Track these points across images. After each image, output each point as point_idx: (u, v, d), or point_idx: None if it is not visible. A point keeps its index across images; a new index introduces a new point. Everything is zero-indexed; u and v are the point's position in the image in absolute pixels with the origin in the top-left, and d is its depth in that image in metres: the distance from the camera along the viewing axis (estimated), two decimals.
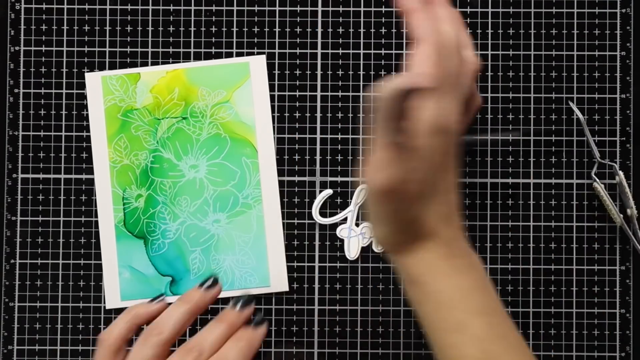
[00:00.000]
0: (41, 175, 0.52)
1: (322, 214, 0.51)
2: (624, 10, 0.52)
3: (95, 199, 0.52)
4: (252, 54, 0.52)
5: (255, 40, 0.52)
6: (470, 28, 0.52)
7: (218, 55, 0.52)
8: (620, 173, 0.50)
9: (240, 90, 0.52)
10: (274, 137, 0.52)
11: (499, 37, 0.52)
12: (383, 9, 0.52)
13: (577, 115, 0.51)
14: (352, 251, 0.51)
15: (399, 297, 0.51)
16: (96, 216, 0.52)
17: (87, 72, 0.52)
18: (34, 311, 0.52)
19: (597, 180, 0.51)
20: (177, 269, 0.51)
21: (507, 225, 0.52)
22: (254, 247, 0.51)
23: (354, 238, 0.51)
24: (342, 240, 0.52)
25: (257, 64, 0.52)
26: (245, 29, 0.52)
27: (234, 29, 0.52)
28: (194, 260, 0.51)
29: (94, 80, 0.52)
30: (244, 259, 0.51)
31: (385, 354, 0.51)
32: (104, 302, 0.51)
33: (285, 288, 0.51)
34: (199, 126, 0.51)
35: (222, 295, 0.51)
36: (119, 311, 0.51)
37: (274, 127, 0.52)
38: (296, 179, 0.52)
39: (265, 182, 0.51)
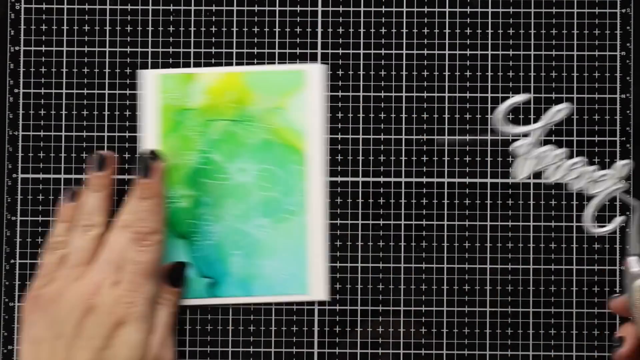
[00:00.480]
0: (41, 175, 0.52)
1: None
2: (624, 10, 0.52)
3: None
4: (256, 56, 0.52)
5: (256, 40, 0.52)
6: (470, 28, 0.52)
7: (216, 56, 0.52)
8: None
9: (295, 97, 0.51)
10: (327, 146, 0.51)
11: (499, 37, 0.52)
12: (383, 9, 0.52)
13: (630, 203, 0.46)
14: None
15: (398, 296, 0.51)
16: None
17: (141, 69, 0.52)
18: None
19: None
20: (217, 271, 0.51)
21: (507, 225, 0.52)
22: (296, 255, 0.51)
23: None
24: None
25: (315, 72, 0.52)
26: (245, 29, 0.52)
27: (234, 29, 0.52)
28: (235, 264, 0.51)
29: (149, 78, 0.51)
30: (284, 265, 0.51)
31: (385, 354, 0.51)
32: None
33: (323, 297, 0.51)
34: (251, 130, 0.51)
35: (260, 300, 0.51)
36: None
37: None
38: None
39: (312, 190, 0.51)
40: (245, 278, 0.51)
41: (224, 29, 0.52)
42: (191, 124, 0.51)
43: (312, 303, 0.51)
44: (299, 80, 0.51)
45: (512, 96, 0.46)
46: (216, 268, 0.51)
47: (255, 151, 0.51)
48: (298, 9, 0.52)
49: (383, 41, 0.52)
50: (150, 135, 0.51)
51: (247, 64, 0.52)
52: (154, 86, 0.51)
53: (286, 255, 0.51)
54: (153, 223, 0.48)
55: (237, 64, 0.52)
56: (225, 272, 0.51)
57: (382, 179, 0.52)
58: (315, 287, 0.51)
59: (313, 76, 0.52)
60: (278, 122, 0.51)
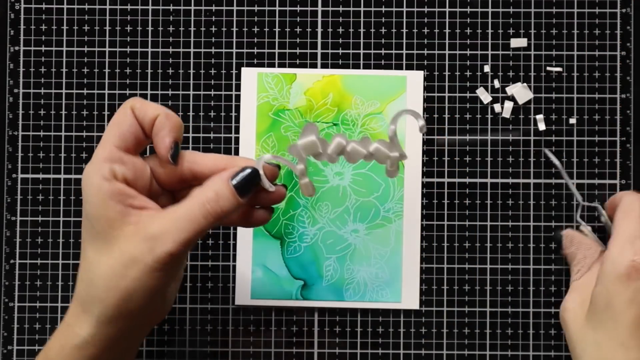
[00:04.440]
0: (41, 175, 0.52)
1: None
2: (624, 10, 0.52)
3: None
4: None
5: (255, 40, 0.52)
6: (470, 28, 0.52)
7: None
8: (604, 213, 0.50)
9: (395, 103, 0.51)
10: (422, 156, 0.51)
11: (499, 37, 0.52)
12: (383, 9, 0.52)
13: (554, 162, 0.51)
14: None
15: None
16: None
17: (245, 67, 0.52)
18: (33, 311, 0.52)
19: (583, 223, 0.51)
20: (310, 274, 0.51)
21: (507, 225, 0.52)
22: (390, 262, 0.51)
23: None
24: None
25: (415, 79, 0.51)
26: (245, 29, 0.52)
27: (234, 29, 0.52)
28: (328, 268, 0.51)
29: (249, 76, 0.51)
30: (378, 272, 0.51)
31: (385, 354, 0.51)
32: (232, 302, 0.51)
33: (417, 306, 0.51)
34: (349, 134, 0.51)
35: (354, 306, 0.51)
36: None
37: None
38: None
39: (409, 198, 0.51)
40: (337, 283, 0.51)
41: (224, 29, 0.52)
42: (289, 124, 0.51)
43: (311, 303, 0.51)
44: (399, 86, 0.51)
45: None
46: (309, 271, 0.51)
47: None
48: (298, 9, 0.52)
49: (383, 41, 0.52)
50: (246, 133, 0.51)
51: (247, 64, 0.52)
52: (253, 84, 0.51)
53: (380, 262, 0.51)
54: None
55: (237, 64, 0.52)
56: (318, 275, 0.51)
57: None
58: (409, 296, 0.51)
59: (413, 82, 0.51)
60: (377, 128, 0.51)
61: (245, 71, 0.52)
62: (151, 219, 0.39)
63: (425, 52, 0.52)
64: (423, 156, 0.52)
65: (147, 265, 0.38)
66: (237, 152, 0.52)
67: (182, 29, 0.52)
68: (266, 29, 0.52)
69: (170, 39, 0.52)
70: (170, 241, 0.38)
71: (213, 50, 0.52)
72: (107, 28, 0.52)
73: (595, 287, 0.44)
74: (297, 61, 0.52)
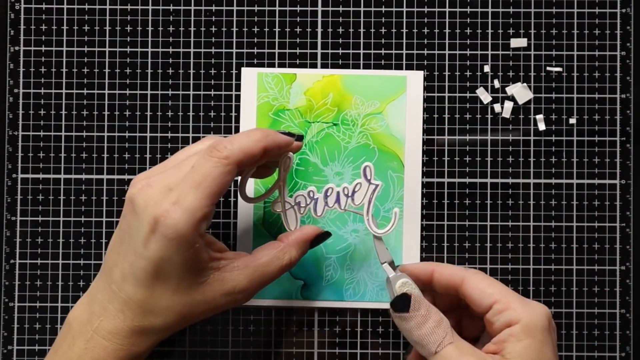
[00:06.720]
0: (41, 175, 0.52)
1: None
2: (624, 10, 0.52)
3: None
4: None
5: (255, 40, 0.52)
6: (470, 28, 0.52)
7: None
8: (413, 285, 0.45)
9: (395, 103, 0.51)
10: (422, 156, 0.51)
11: (499, 37, 0.52)
12: (383, 9, 0.52)
13: (373, 231, 0.46)
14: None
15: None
16: (96, 216, 0.52)
17: (245, 67, 0.52)
18: (34, 311, 0.52)
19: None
20: (310, 274, 0.51)
21: (507, 225, 0.52)
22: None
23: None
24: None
25: (415, 79, 0.51)
26: (245, 29, 0.52)
27: (234, 29, 0.52)
28: (328, 268, 0.51)
29: (249, 76, 0.51)
30: (378, 272, 0.51)
31: (385, 354, 0.51)
32: None
33: None
34: (349, 134, 0.51)
35: (354, 306, 0.51)
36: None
37: None
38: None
39: (409, 198, 0.51)
40: (337, 283, 0.51)
41: (223, 29, 0.52)
42: (289, 124, 0.51)
43: (311, 303, 0.51)
44: (399, 86, 0.51)
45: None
46: (309, 271, 0.51)
47: (353, 155, 0.51)
48: (298, 9, 0.52)
49: (383, 41, 0.52)
50: None
51: (247, 64, 0.52)
52: (253, 84, 0.52)
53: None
54: (235, 149, 0.41)
55: (237, 64, 0.52)
56: (318, 275, 0.51)
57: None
58: None
59: (413, 82, 0.51)
60: (377, 128, 0.51)
61: (245, 71, 0.52)
62: (232, 270, 0.42)
63: (425, 52, 0.52)
64: (423, 156, 0.52)
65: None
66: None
67: (182, 29, 0.52)
68: (266, 29, 0.52)
69: (170, 39, 0.52)
70: (251, 295, 0.44)
71: (213, 50, 0.52)
72: (107, 28, 0.52)
73: (518, 343, 0.41)
74: (297, 61, 0.52)
